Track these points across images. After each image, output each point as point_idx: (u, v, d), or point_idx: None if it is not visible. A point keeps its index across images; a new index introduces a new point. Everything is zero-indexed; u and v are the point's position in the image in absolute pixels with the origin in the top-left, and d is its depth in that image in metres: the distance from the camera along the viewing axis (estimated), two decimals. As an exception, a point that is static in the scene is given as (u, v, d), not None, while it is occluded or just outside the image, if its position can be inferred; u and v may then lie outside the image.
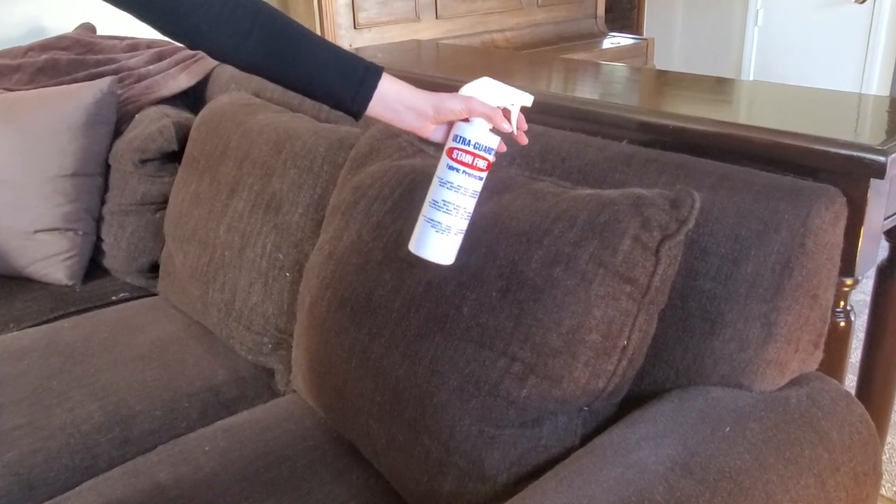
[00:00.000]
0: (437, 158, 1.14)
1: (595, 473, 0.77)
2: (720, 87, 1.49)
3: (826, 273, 0.90)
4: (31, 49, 1.99)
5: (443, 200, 0.88)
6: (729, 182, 0.94)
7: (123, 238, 1.74)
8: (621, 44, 3.51)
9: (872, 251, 1.02)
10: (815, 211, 0.88)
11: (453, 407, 0.89)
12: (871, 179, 0.94)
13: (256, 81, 1.75)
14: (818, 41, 3.82)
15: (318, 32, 2.69)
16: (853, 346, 1.09)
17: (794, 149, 1.00)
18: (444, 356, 0.90)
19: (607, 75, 1.64)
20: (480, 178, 0.88)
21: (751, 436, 0.80)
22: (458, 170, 0.87)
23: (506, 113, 0.89)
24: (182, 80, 1.89)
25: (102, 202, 1.78)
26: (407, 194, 1.04)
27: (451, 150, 0.88)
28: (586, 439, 0.88)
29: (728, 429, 0.81)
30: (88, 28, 2.15)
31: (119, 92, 1.82)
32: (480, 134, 0.87)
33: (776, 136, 1.02)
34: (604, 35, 3.63)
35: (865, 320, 1.18)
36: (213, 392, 1.31)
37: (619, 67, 1.79)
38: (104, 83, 1.77)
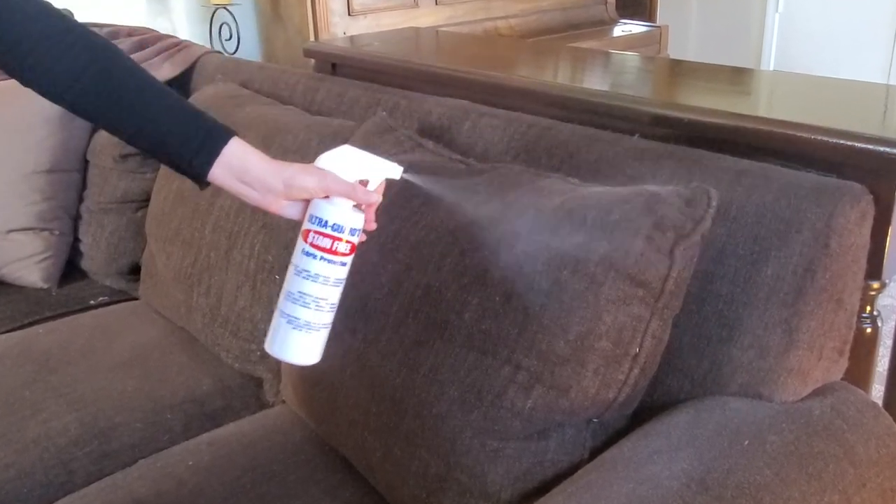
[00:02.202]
0: (437, 154, 1.14)
1: (605, 489, 0.77)
2: (738, 77, 1.49)
3: (851, 276, 0.90)
4: (4, 37, 1.99)
5: (299, 292, 0.82)
6: (748, 179, 0.94)
7: (102, 238, 1.74)
8: (633, 31, 3.51)
9: (901, 253, 1.01)
10: (839, 210, 0.88)
11: (454, 418, 0.89)
12: (900, 176, 0.94)
13: (245, 71, 1.75)
14: (843, 28, 3.82)
15: (311, 20, 2.70)
16: (880, 354, 1.09)
17: (818, 143, 1.00)
18: (444, 364, 0.90)
19: (618, 65, 1.64)
20: (344, 264, 0.82)
21: (771, 449, 0.80)
22: (315, 256, 0.81)
23: (367, 185, 0.84)
24: (165, 70, 1.89)
25: (80, 200, 1.78)
26: (405, 192, 1.04)
27: (307, 232, 0.82)
28: (595, 453, 0.88)
29: (747, 442, 0.81)
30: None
31: (98, 83, 1.82)
32: (340, 213, 0.81)
33: (798, 130, 1.02)
34: (614, 22, 3.63)
35: (893, 326, 1.18)
36: (197, 403, 1.31)
37: (631, 57, 1.79)
38: (82, 73, 1.77)
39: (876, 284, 1.00)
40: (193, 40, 2.04)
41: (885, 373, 1.21)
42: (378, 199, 0.85)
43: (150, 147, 0.85)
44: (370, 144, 1.20)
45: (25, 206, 1.69)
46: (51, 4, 0.83)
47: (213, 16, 2.88)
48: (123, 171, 1.73)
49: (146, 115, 0.83)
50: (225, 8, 2.82)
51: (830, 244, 0.87)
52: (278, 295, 1.29)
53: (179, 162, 0.84)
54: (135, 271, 1.72)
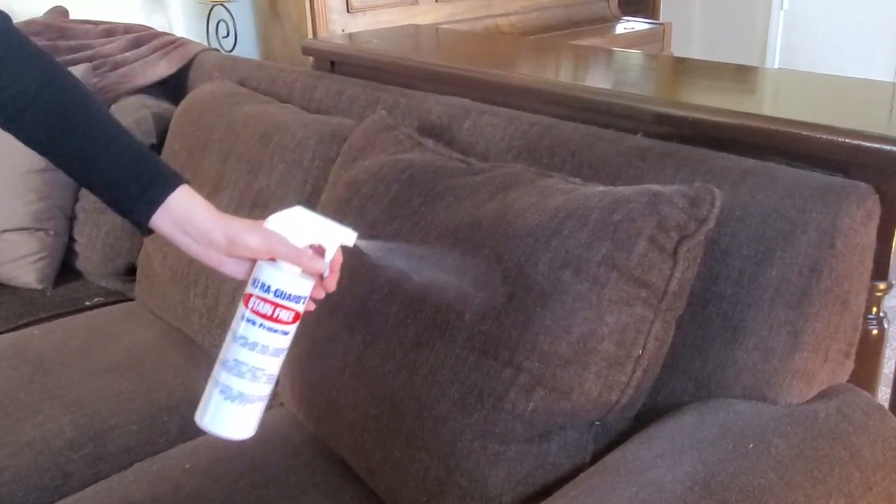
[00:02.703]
0: (437, 153, 1.14)
1: (607, 493, 0.77)
2: (742, 75, 1.49)
3: (857, 277, 0.90)
4: (-2, 34, 1.99)
5: (235, 360, 0.78)
6: (752, 178, 0.94)
7: (98, 238, 1.74)
8: (636, 29, 3.51)
9: (907, 253, 1.01)
10: (845, 210, 0.88)
11: (454, 421, 0.89)
12: (906, 175, 0.94)
13: (242, 69, 1.75)
14: (849, 25, 3.82)
15: (309, 17, 2.70)
16: (887, 356, 1.09)
17: (823, 142, 1.00)
18: (444, 366, 0.90)
19: (620, 63, 1.64)
20: (286, 333, 0.79)
21: (776, 453, 0.80)
22: (255, 322, 0.77)
23: (320, 251, 0.80)
24: (161, 68, 1.90)
25: (76, 199, 1.78)
26: (404, 191, 1.04)
27: (249, 296, 0.78)
28: (598, 456, 0.88)
29: (751, 445, 0.81)
30: (61, 12, 2.16)
31: (94, 81, 1.82)
32: (286, 279, 0.77)
33: (803, 129, 1.02)
34: (617, 19, 3.63)
35: (900, 328, 1.18)
36: (194, 405, 1.29)
37: (634, 54, 1.79)
38: (77, 71, 1.77)
39: (882, 285, 1.00)
40: (190, 38, 2.04)
41: (892, 375, 1.21)
42: (321, 267, 0.80)
43: (94, 185, 0.82)
44: (369, 143, 1.20)
45: (20, 206, 1.69)
46: (15, 28, 0.81)
47: (210, 13, 2.88)
48: (119, 171, 1.73)
49: (94, 151, 0.81)
50: (222, 5, 2.82)
51: (836, 244, 0.87)
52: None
53: (122, 204, 0.82)
54: (131, 272, 1.72)
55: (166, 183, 0.81)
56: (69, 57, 1.90)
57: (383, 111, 1.31)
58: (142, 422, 1.26)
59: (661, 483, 0.76)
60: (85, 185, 0.84)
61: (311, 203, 1.29)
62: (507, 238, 0.90)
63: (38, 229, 1.71)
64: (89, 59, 1.88)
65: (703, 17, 4.32)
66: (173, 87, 1.91)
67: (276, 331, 0.78)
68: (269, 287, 0.77)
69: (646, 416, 0.91)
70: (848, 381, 0.95)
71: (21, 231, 1.69)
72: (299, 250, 0.79)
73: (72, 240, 1.77)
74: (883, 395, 1.14)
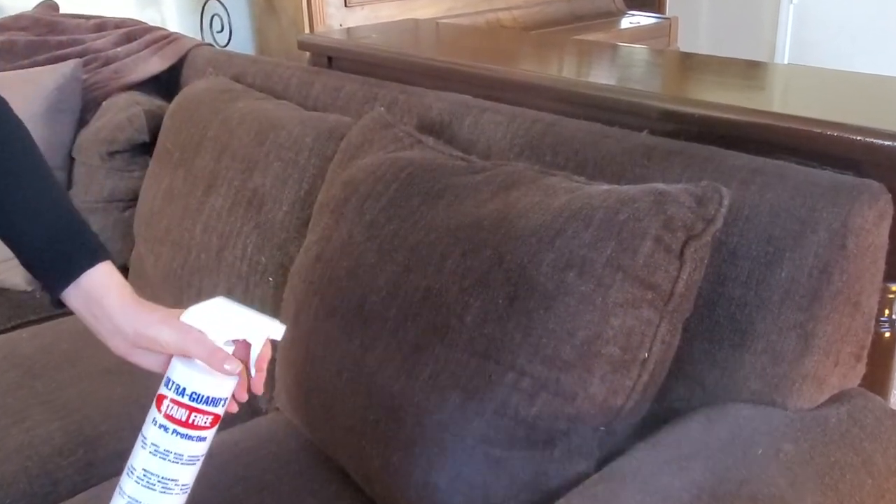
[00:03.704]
0: (438, 150, 1.14)
1: (612, 501, 0.77)
2: (751, 71, 1.49)
3: (869, 278, 0.90)
4: (-14, 29, 1.99)
5: (144, 470, 0.72)
6: (761, 177, 0.94)
7: (88, 239, 1.74)
8: (641, 23, 3.51)
9: (921, 254, 1.01)
10: (856, 209, 0.87)
11: (455, 426, 0.89)
12: (920, 174, 0.94)
13: (237, 64, 1.75)
14: (861, 20, 3.82)
15: (306, 11, 2.70)
16: (900, 360, 1.09)
17: (834, 140, 1.00)
18: (444, 370, 0.90)
19: (625, 58, 1.64)
20: (202, 439, 0.73)
21: (785, 459, 0.80)
22: (167, 429, 0.71)
23: (245, 346, 0.75)
24: (154, 64, 1.90)
25: (65, 199, 1.78)
26: (403, 190, 1.04)
27: (161, 398, 0.72)
28: (603, 463, 0.88)
29: (760, 451, 0.81)
30: (51, 6, 2.16)
31: (84, 77, 1.82)
32: (202, 381, 0.71)
33: (814, 126, 1.02)
34: (622, 14, 3.63)
35: (913, 331, 1.18)
36: (187, 410, 1.31)
37: (639, 50, 1.79)
38: (67, 67, 1.77)
39: (895, 287, 1.00)
40: (183, 32, 2.04)
41: (905, 379, 1.21)
42: (236, 371, 0.73)
43: (10, 239, 0.78)
44: (368, 141, 1.20)
45: (8, 205, 1.69)
46: None
47: (203, 7, 2.88)
48: (110, 170, 1.73)
49: (16, 209, 0.77)
50: (216, -1, 2.83)
51: (847, 245, 0.87)
52: (271, 298, 1.29)
53: (34, 267, 0.78)
54: (122, 273, 1.72)
55: (85, 258, 0.77)
56: (59, 52, 1.90)
57: (382, 108, 1.31)
58: (133, 427, 1.24)
59: (668, 490, 0.76)
60: (6, 243, 0.79)
61: (307, 202, 1.29)
62: (509, 238, 0.90)
63: (26, 229, 1.71)
64: (80, 55, 1.88)
65: (711, 10, 4.32)
66: (166, 84, 1.91)
67: (191, 437, 0.72)
68: (183, 389, 0.72)
69: (652, 422, 0.91)
70: (859, 386, 0.95)
71: (9, 231, 1.69)
72: (214, 349, 0.73)
73: (61, 240, 1.77)
74: (895, 399, 1.14)
